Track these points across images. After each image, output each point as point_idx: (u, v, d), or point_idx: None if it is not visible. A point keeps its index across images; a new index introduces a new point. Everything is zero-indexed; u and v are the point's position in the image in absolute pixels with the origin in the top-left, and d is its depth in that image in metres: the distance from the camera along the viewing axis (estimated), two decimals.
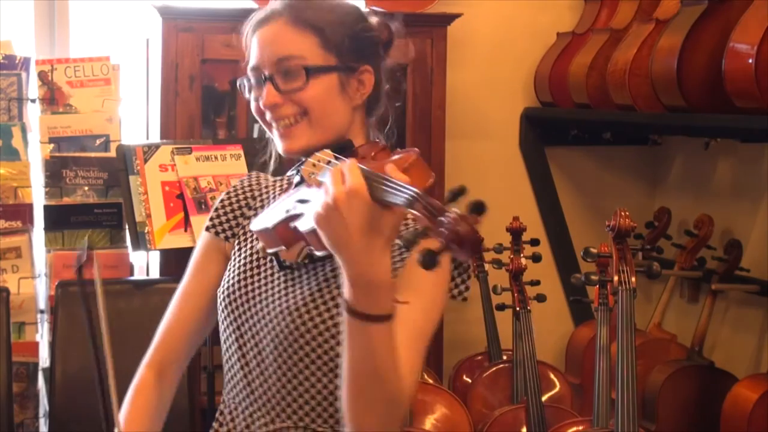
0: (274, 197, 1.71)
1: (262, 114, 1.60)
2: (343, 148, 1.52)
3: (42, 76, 3.21)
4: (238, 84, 1.64)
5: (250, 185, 1.76)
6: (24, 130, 3.15)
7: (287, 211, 1.47)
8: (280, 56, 1.55)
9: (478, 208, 1.18)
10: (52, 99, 3.21)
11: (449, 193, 1.23)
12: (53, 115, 3.20)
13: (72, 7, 3.56)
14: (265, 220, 1.55)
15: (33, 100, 3.21)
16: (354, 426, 1.43)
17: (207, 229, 1.74)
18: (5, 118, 3.16)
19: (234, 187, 1.77)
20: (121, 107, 3.29)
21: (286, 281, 1.59)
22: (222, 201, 1.76)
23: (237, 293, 1.63)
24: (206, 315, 1.71)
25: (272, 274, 1.62)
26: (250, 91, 1.61)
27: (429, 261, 1.19)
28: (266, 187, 1.75)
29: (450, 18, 3.51)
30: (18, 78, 3.18)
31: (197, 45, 3.28)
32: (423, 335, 1.49)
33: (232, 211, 1.74)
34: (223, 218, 1.73)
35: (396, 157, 1.40)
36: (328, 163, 1.45)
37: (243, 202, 1.74)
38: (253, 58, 1.59)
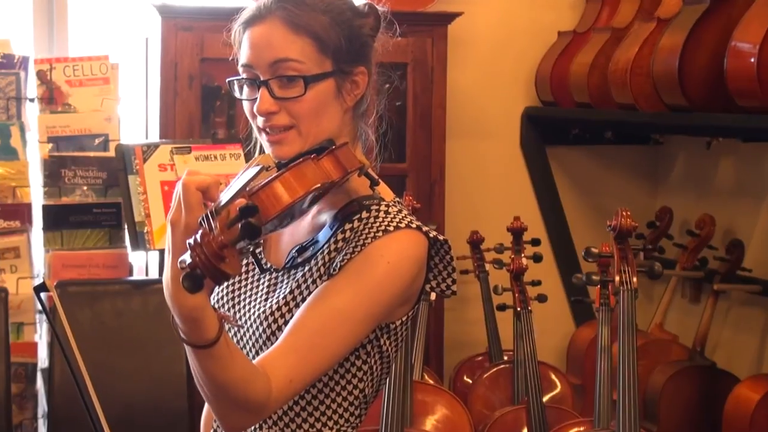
0: None
1: (255, 117, 1.56)
2: (322, 149, 1.49)
3: (41, 75, 3.20)
4: (227, 82, 1.59)
5: None
6: (22, 130, 3.14)
7: None
8: (276, 58, 1.50)
9: (246, 234, 1.12)
10: (51, 98, 3.20)
11: (239, 211, 1.19)
12: (52, 114, 3.19)
13: (71, 5, 3.55)
14: None
15: (32, 100, 3.20)
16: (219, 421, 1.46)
17: None
18: (4, 118, 3.15)
19: None
20: (120, 106, 3.28)
21: (268, 286, 1.57)
22: None
23: (225, 298, 1.62)
24: None
25: (258, 279, 1.60)
26: (241, 90, 1.57)
27: (188, 284, 1.14)
28: None
29: (450, 17, 3.50)
30: (16, 77, 3.17)
31: (197, 44, 3.27)
32: (329, 331, 1.44)
33: None
34: None
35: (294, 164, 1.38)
36: (268, 169, 1.43)
37: None
38: (244, 55, 1.54)
